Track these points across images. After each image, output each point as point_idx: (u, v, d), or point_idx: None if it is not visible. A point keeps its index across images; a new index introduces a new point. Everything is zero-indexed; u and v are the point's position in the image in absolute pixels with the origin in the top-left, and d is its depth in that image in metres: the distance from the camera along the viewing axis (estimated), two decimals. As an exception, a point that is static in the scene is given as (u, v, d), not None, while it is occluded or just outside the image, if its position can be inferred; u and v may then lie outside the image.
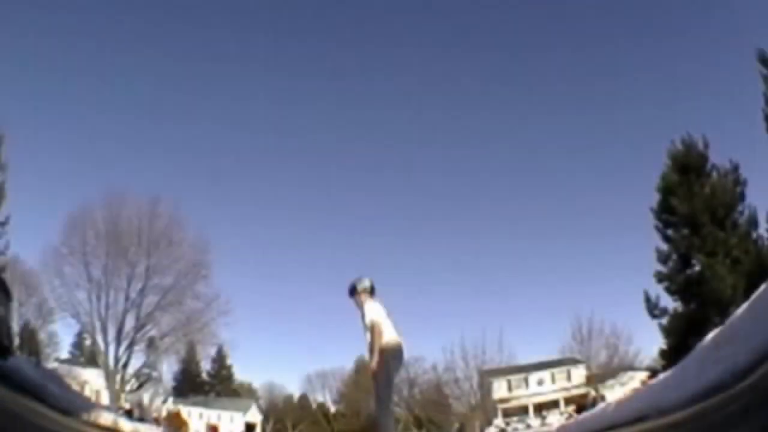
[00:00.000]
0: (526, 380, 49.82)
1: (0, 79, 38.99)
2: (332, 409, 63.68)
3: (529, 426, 42.72)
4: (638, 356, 38.79)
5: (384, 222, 78.37)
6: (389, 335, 5.56)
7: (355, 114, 76.67)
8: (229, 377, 64.31)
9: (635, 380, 32.47)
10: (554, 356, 45.76)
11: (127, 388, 34.56)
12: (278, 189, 73.35)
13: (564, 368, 47.85)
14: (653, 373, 20.04)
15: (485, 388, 45.10)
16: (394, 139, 75.81)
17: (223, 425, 55.85)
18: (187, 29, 71.03)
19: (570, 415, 35.03)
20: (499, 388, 48.34)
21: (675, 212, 19.85)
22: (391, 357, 5.52)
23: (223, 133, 73.95)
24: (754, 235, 18.89)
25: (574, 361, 44.71)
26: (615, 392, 33.23)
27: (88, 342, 43.08)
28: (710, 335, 4.67)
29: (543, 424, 39.70)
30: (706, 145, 20.36)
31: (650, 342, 40.91)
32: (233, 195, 74.81)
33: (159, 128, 68.16)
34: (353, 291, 5.97)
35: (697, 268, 19.26)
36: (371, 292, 5.90)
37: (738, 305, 4.60)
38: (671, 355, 17.55)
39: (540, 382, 49.48)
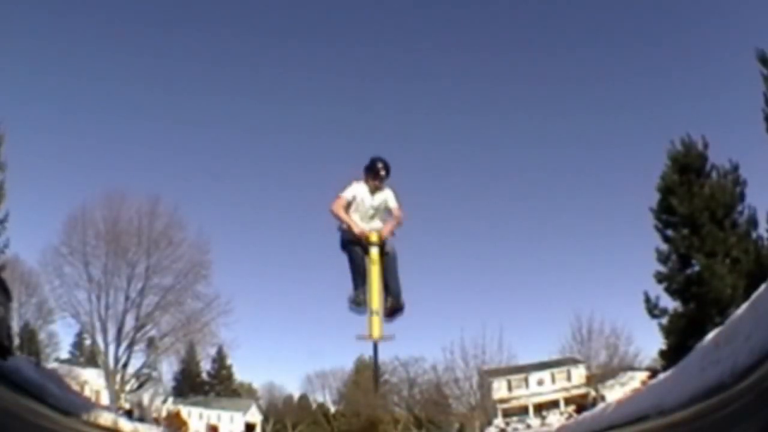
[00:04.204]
0: (526, 380, 49.81)
1: (0, 79, 39.00)
2: (332, 409, 63.68)
3: (529, 426, 42.74)
4: (638, 356, 38.82)
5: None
6: None
7: (354, 114, 76.70)
8: (229, 377, 64.31)
9: (635, 380, 32.49)
10: (554, 356, 45.79)
11: (127, 388, 34.58)
12: (279, 189, 73.42)
13: (564, 368, 47.84)
14: (653, 373, 20.08)
15: (485, 388, 45.08)
16: (393, 138, 75.69)
17: (223, 425, 55.89)
18: (187, 29, 71.08)
19: (570, 415, 35.05)
20: (499, 388, 48.31)
21: (675, 212, 19.86)
22: None
23: (223, 133, 74.04)
24: (754, 235, 18.90)
25: (574, 362, 44.71)
26: (615, 392, 33.22)
27: (88, 342, 43.09)
28: (710, 335, 4.66)
29: (543, 424, 39.70)
30: (706, 146, 20.39)
31: (650, 342, 40.94)
32: (233, 195, 74.85)
33: (159, 128, 68.27)
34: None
35: (697, 268, 19.27)
36: None
37: (738, 305, 4.60)
38: (671, 355, 17.56)
39: (540, 382, 49.47)
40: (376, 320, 5.62)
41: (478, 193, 75.45)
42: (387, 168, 6.04)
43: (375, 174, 6.01)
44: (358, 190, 6.08)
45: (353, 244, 5.87)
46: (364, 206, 6.05)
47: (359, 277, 5.77)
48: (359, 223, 5.97)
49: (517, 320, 76.72)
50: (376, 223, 6.10)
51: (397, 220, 6.07)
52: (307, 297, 76.22)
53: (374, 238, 5.79)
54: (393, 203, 6.13)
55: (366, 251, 5.82)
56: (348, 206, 6.03)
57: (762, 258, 17.85)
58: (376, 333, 5.67)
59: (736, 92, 45.52)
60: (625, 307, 59.03)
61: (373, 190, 6.07)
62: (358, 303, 5.74)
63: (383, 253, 5.80)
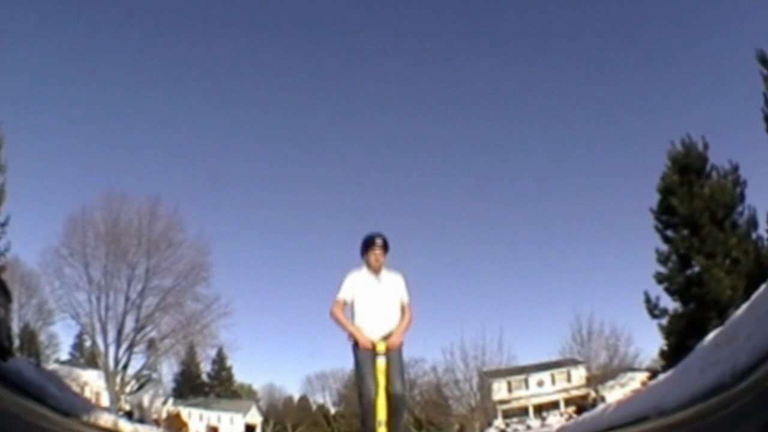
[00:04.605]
0: (526, 381, 49.85)
1: (0, 80, 39.01)
2: (332, 410, 63.69)
3: (529, 427, 42.70)
4: (638, 357, 38.80)
5: (384, 224, 78.43)
6: None
7: (354, 117, 76.74)
8: (229, 379, 64.36)
9: (635, 381, 32.49)
10: (554, 357, 45.83)
11: (127, 389, 34.60)
12: (280, 191, 73.47)
13: (564, 369, 47.89)
14: (653, 373, 20.07)
15: (485, 390, 45.12)
16: (394, 141, 75.86)
17: (223, 427, 55.91)
18: (187, 31, 71.17)
19: (570, 416, 35.03)
20: (499, 389, 48.38)
21: (675, 213, 19.87)
22: None
23: (224, 134, 74.06)
24: (754, 235, 18.90)
25: (574, 362, 44.74)
26: (615, 393, 33.26)
27: (88, 343, 43.16)
28: (710, 335, 4.67)
29: (543, 425, 39.71)
30: (706, 146, 20.39)
31: (650, 342, 41.03)
32: (234, 196, 74.86)
33: (159, 129, 68.24)
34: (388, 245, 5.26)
35: (697, 268, 19.28)
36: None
37: (737, 306, 4.61)
38: (671, 356, 17.56)
39: (540, 383, 49.52)
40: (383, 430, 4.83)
41: (478, 194, 75.51)
42: (384, 239, 5.24)
43: (371, 247, 5.20)
44: (357, 280, 5.21)
45: (365, 363, 5.01)
46: (372, 296, 5.17)
47: (367, 422, 4.94)
48: (367, 323, 5.12)
49: (517, 321, 76.84)
50: (391, 314, 5.20)
51: (407, 322, 5.21)
52: (308, 298, 76.27)
53: (381, 348, 5.01)
54: (405, 295, 5.29)
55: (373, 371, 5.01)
56: (351, 303, 5.19)
57: (762, 259, 17.84)
58: None
59: (736, 92, 45.60)
60: (625, 308, 59.36)
61: (377, 271, 5.23)
62: None
63: (391, 399, 4.91)
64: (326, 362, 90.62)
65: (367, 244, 5.21)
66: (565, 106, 72.39)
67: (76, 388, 26.10)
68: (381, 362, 4.98)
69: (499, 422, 45.87)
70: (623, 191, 64.38)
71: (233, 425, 56.92)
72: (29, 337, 35.37)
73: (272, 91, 73.82)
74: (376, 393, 4.89)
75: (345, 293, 5.15)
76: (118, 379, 32.38)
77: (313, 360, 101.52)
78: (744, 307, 4.05)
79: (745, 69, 19.29)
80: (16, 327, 28.55)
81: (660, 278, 20.14)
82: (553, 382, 49.13)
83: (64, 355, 45.23)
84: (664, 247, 20.37)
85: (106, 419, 8.97)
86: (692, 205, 19.26)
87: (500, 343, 41.51)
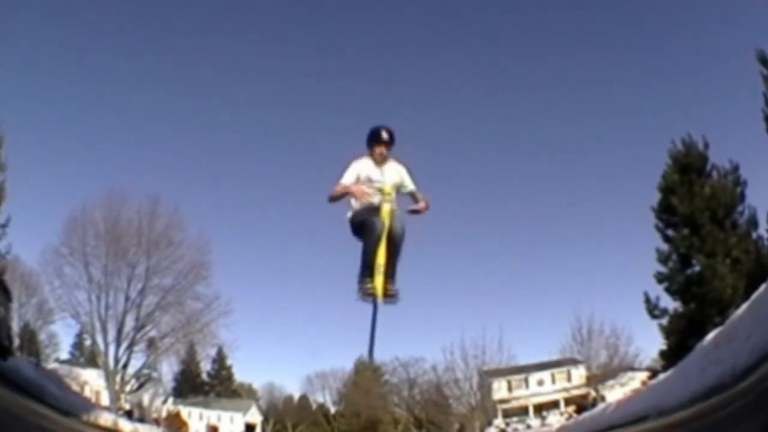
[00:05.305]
0: (526, 381, 49.80)
1: (0, 80, 38.99)
2: (332, 409, 63.68)
3: (529, 426, 42.74)
4: (638, 357, 38.75)
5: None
6: None
7: (353, 118, 76.66)
8: (229, 378, 64.27)
9: (635, 381, 32.47)
10: (554, 356, 45.74)
11: (127, 388, 34.55)
12: (280, 191, 73.44)
13: (564, 369, 47.82)
14: (653, 373, 20.06)
15: (485, 389, 45.08)
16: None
17: (223, 426, 55.86)
18: (187, 30, 71.13)
19: (570, 416, 35.03)
20: (499, 389, 48.32)
21: (675, 212, 19.87)
22: None
23: (225, 134, 74.00)
24: (754, 235, 18.90)
25: (574, 362, 44.68)
26: (615, 393, 33.21)
27: (88, 342, 43.10)
28: (710, 335, 4.67)
29: (543, 425, 39.70)
30: (707, 146, 20.40)
31: (650, 342, 40.96)
32: (235, 196, 74.83)
33: (159, 128, 68.25)
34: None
35: (697, 268, 19.27)
36: None
37: (738, 305, 4.60)
38: (671, 356, 17.55)
39: (540, 383, 49.45)
40: (380, 279, 4.99)
41: (478, 193, 75.52)
42: (390, 132, 5.27)
43: (377, 139, 5.21)
44: (361, 166, 5.19)
45: (364, 224, 5.04)
46: (374, 185, 5.18)
47: (368, 264, 5.03)
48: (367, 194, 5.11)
49: (517, 320, 76.79)
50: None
51: (425, 204, 5.29)
52: (308, 298, 76.29)
53: (388, 189, 5.06)
54: (410, 184, 5.31)
55: (377, 214, 5.04)
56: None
57: (762, 258, 17.84)
58: (379, 291, 5.03)
59: (736, 92, 45.59)
60: (625, 308, 59.36)
61: (380, 162, 5.22)
62: (364, 292, 5.05)
63: (392, 230, 5.00)
64: (326, 361, 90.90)
65: (373, 138, 5.22)
66: (566, 106, 72.44)
67: (75, 388, 26.11)
68: (387, 206, 5.03)
69: (499, 421, 45.86)
70: (624, 190, 64.47)
71: (233, 424, 56.88)
72: (29, 337, 35.30)
73: (272, 91, 73.78)
74: (380, 237, 4.92)
75: (347, 180, 5.12)
76: (118, 378, 32.36)
77: (313, 359, 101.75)
78: (744, 307, 4.05)
79: (745, 69, 19.29)
80: (16, 326, 28.51)
81: (660, 277, 20.13)
82: (554, 381, 49.06)
83: (64, 354, 45.18)
84: (665, 247, 20.38)
85: (105, 418, 8.98)
86: (693, 204, 19.26)
87: (500, 343, 41.50)
